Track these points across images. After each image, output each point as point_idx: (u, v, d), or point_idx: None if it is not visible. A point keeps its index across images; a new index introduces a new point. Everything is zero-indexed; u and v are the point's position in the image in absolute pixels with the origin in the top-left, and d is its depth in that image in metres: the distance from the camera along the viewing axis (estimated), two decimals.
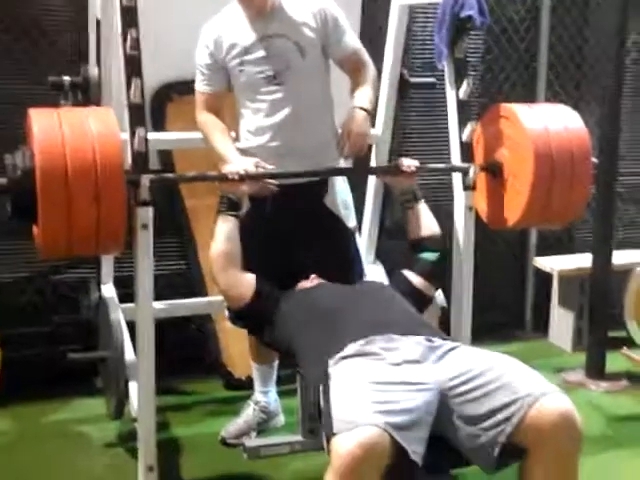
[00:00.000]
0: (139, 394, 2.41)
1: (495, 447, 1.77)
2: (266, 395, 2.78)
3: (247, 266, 2.34)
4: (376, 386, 1.79)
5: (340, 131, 2.51)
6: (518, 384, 1.80)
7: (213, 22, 2.51)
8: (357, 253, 2.67)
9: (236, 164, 2.36)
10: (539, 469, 1.76)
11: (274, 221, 2.46)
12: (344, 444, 1.65)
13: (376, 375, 1.83)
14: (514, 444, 1.77)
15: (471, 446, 1.81)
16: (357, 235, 2.84)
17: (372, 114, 2.60)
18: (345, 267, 2.52)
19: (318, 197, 2.55)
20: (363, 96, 2.50)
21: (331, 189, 2.58)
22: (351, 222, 2.65)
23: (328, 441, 1.73)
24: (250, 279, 2.30)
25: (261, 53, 2.44)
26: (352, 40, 2.55)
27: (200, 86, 2.53)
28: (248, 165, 2.35)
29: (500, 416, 1.77)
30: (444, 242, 2.50)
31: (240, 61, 2.46)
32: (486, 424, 1.78)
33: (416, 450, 1.72)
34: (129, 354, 2.63)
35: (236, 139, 2.56)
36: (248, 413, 2.78)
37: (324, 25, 2.47)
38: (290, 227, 2.47)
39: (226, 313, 2.51)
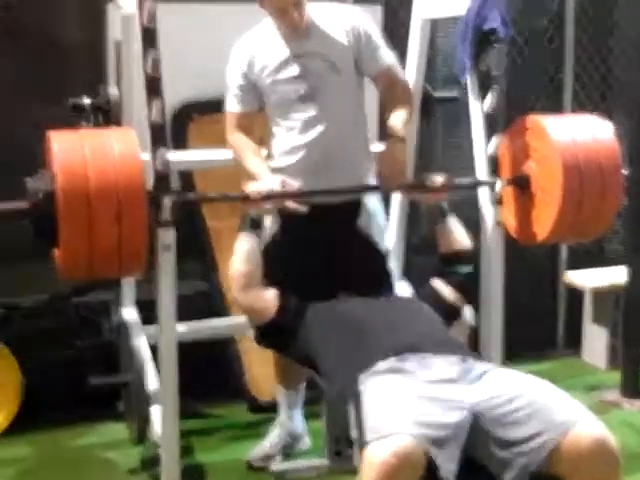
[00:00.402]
0: (162, 418, 2.37)
1: (526, 475, 1.72)
2: (292, 418, 2.74)
3: (274, 282, 2.30)
4: (412, 399, 1.75)
5: (376, 159, 2.48)
6: (550, 411, 1.75)
7: (245, 41, 2.49)
8: (389, 277, 2.60)
9: (262, 182, 2.33)
10: None
11: (305, 240, 2.42)
12: (378, 453, 1.61)
13: (411, 390, 1.79)
14: (547, 474, 1.71)
15: (503, 472, 1.75)
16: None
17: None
18: (376, 290, 2.43)
19: (351, 218, 2.51)
20: (398, 122, 2.45)
21: (365, 210, 2.54)
22: (384, 245, 2.60)
23: (360, 452, 1.68)
24: (272, 294, 2.28)
25: (295, 71, 2.42)
26: (386, 56, 2.51)
27: (232, 106, 2.51)
28: (274, 184, 2.31)
29: (532, 444, 1.72)
30: (475, 256, 2.45)
31: (273, 80, 2.44)
32: (517, 450, 1.73)
33: (448, 468, 1.67)
34: (151, 377, 2.59)
35: (267, 157, 2.53)
36: (274, 436, 2.75)
37: (357, 41, 2.45)
38: (321, 248, 2.41)
39: (250, 334, 2.46)
